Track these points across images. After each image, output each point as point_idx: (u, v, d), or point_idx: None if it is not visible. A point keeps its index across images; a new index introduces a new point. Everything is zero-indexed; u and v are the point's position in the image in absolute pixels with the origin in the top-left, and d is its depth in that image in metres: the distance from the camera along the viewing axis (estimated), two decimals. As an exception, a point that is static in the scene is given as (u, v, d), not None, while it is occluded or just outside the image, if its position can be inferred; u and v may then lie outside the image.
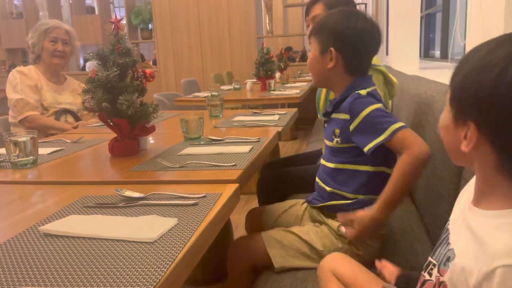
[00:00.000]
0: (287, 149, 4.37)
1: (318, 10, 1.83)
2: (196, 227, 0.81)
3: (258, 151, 1.37)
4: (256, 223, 1.57)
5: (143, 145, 1.51)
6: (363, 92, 1.23)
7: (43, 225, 0.84)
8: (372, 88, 1.27)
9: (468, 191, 0.74)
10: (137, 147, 1.46)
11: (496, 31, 1.59)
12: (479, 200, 0.66)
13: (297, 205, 1.49)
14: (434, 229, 1.37)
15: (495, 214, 0.61)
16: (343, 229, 1.25)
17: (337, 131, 1.27)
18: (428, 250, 1.30)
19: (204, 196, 0.97)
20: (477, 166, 0.65)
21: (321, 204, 1.32)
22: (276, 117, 2.08)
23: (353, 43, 1.26)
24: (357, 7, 1.86)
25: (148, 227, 0.81)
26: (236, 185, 1.06)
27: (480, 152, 0.61)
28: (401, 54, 4.90)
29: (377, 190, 1.18)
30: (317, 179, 1.39)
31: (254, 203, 2.37)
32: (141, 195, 0.99)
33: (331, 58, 1.27)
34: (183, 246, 0.73)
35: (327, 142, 1.33)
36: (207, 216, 0.86)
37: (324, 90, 1.98)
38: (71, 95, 2.49)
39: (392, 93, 1.81)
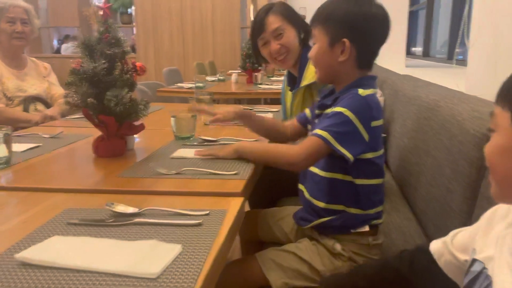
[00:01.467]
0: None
1: (276, 21, 1.67)
2: (205, 256, 0.69)
3: (259, 156, 1.26)
4: (251, 227, 1.47)
5: (130, 144, 1.37)
6: (361, 91, 1.11)
7: (19, 250, 0.71)
8: (372, 91, 1.15)
9: (508, 221, 0.66)
10: (124, 147, 1.32)
11: (509, 34, 1.51)
12: None
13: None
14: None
15: None
16: (338, 247, 1.17)
17: None
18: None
19: (207, 214, 0.86)
20: None
21: (310, 225, 1.21)
22: (269, 115, 1.96)
23: (366, 33, 1.13)
24: None
25: (149, 256, 0.69)
26: (241, 200, 0.95)
27: None
28: (387, 51, 4.85)
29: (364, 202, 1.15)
30: (302, 188, 1.27)
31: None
32: (135, 210, 0.87)
33: (342, 51, 1.13)
34: (193, 284, 0.61)
35: None
36: (215, 241, 0.75)
37: (289, 94, 1.87)
38: (36, 80, 2.27)
39: None
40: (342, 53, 1.14)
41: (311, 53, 1.22)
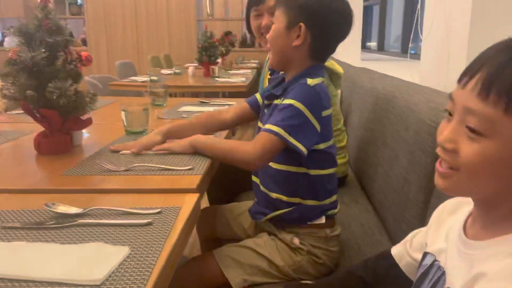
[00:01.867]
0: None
1: None
2: (155, 258, 0.64)
3: (215, 150, 1.21)
4: (209, 224, 1.42)
5: (76, 140, 1.28)
6: (310, 81, 1.10)
7: None
8: (320, 80, 1.14)
9: (456, 216, 0.65)
10: (70, 143, 1.23)
11: (461, 28, 1.54)
12: (479, 231, 0.57)
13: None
14: (398, 232, 1.30)
15: (489, 244, 0.54)
16: (296, 241, 1.15)
17: None
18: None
19: (159, 212, 0.80)
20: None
21: (265, 218, 1.19)
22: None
23: (325, 22, 1.11)
24: None
25: (92, 261, 0.62)
26: (196, 196, 0.90)
27: None
28: (343, 45, 4.92)
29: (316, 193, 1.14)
30: (256, 181, 1.25)
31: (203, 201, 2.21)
32: (79, 210, 0.80)
33: (298, 35, 1.11)
34: (141, 289, 0.56)
35: None
36: (166, 241, 0.70)
37: (267, 75, 1.85)
38: None
39: (338, 81, 1.74)
40: (297, 37, 1.12)
41: (269, 34, 1.19)
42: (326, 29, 1.12)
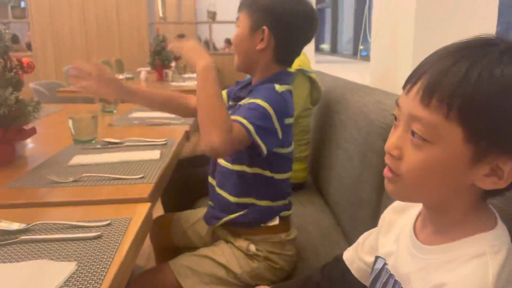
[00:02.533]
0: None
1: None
2: (104, 273, 0.61)
3: (169, 157, 1.19)
4: (165, 233, 1.39)
5: (19, 151, 1.22)
6: (278, 87, 1.09)
7: None
8: (287, 87, 1.14)
9: (405, 217, 0.67)
10: (12, 154, 1.17)
11: (405, 27, 1.60)
12: (429, 236, 0.58)
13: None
14: (354, 232, 1.33)
15: (444, 249, 0.55)
16: (252, 247, 1.14)
17: None
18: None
19: (109, 224, 0.77)
20: (458, 200, 0.55)
21: (220, 223, 1.17)
22: (181, 114, 1.88)
23: (289, 26, 1.11)
24: None
25: (37, 280, 0.59)
26: (148, 205, 0.87)
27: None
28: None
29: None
30: (212, 182, 1.23)
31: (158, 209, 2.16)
32: (21, 226, 0.75)
33: (262, 39, 1.11)
34: (88, 308, 0.53)
35: None
36: (116, 254, 0.67)
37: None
38: None
39: (318, 98, 1.77)
40: (261, 41, 1.12)
41: (233, 37, 1.18)
42: (290, 32, 1.13)
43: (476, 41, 0.52)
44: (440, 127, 0.51)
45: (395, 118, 0.58)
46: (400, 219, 0.69)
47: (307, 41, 1.18)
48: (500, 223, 0.55)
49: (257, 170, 1.13)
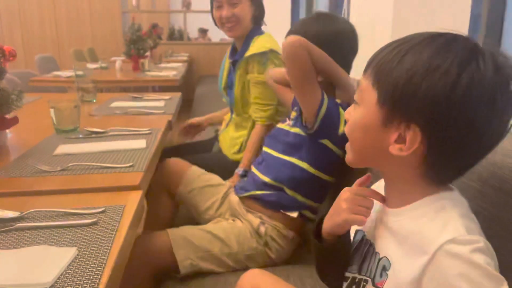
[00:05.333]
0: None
1: None
2: (105, 258, 0.63)
3: (155, 145, 1.20)
4: (176, 177, 1.46)
5: (1, 140, 1.20)
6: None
7: None
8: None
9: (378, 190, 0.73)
10: (-5, 144, 1.15)
11: (384, 19, 1.65)
12: (392, 200, 0.66)
13: (220, 186, 1.40)
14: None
15: (409, 209, 0.62)
16: (262, 229, 1.19)
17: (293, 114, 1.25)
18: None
19: (103, 211, 0.78)
20: (397, 168, 0.62)
21: (247, 194, 1.24)
22: (162, 103, 1.89)
23: (338, 46, 1.21)
24: None
25: (39, 264, 0.60)
26: (140, 193, 0.89)
27: (412, 154, 0.58)
28: (273, 23, 4.99)
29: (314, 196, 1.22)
30: (253, 170, 1.31)
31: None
32: (16, 214, 0.76)
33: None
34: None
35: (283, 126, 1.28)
36: (115, 239, 0.68)
37: (227, 64, 1.86)
38: None
39: None
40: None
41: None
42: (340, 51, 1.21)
43: (428, 33, 0.60)
44: (365, 91, 0.62)
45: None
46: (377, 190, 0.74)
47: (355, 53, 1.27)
48: (456, 190, 0.62)
49: (302, 164, 1.19)
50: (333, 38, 1.19)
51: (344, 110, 1.16)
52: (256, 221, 1.20)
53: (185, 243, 1.14)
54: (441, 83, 0.54)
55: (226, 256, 1.15)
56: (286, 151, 1.22)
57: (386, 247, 0.65)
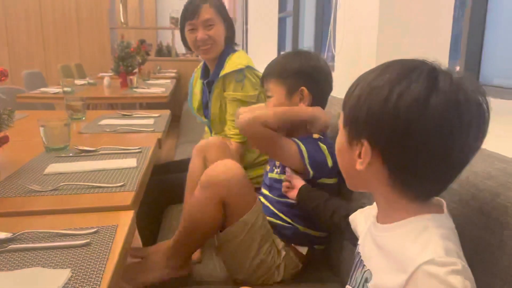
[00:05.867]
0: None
1: (210, 13, 1.70)
2: (99, 278, 0.64)
3: (145, 164, 1.21)
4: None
5: (-9, 160, 1.20)
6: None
7: None
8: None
9: (371, 210, 0.78)
10: (-15, 163, 1.15)
11: (369, 44, 1.70)
12: (381, 216, 0.70)
13: None
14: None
15: (394, 226, 0.65)
16: (283, 252, 1.20)
17: None
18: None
19: (96, 232, 0.79)
20: (373, 186, 0.68)
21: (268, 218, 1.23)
22: (151, 121, 1.90)
23: (321, 81, 1.30)
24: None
25: (33, 286, 0.61)
26: (132, 213, 0.89)
27: (374, 169, 0.64)
28: (260, 55, 5.07)
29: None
30: (265, 193, 1.31)
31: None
32: (9, 235, 0.76)
33: (301, 98, 1.26)
34: (89, 311, 0.56)
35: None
36: (108, 260, 0.69)
37: (199, 84, 1.88)
38: None
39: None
40: (300, 100, 1.24)
41: (270, 106, 1.27)
42: (321, 86, 1.29)
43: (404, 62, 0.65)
44: (340, 118, 0.70)
45: None
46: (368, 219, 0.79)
47: (330, 90, 1.34)
48: (446, 211, 0.64)
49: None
50: (312, 71, 1.26)
51: (324, 142, 1.22)
52: (281, 243, 1.21)
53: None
54: (376, 99, 0.61)
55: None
56: (285, 195, 1.23)
57: (371, 260, 0.68)
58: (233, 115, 1.70)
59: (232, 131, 1.69)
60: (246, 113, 1.19)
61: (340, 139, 0.70)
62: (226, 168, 1.12)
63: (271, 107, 1.27)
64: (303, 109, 1.24)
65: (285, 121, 1.20)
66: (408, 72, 0.60)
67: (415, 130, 0.58)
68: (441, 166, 0.60)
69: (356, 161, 0.65)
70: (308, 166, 1.16)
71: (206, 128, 2.00)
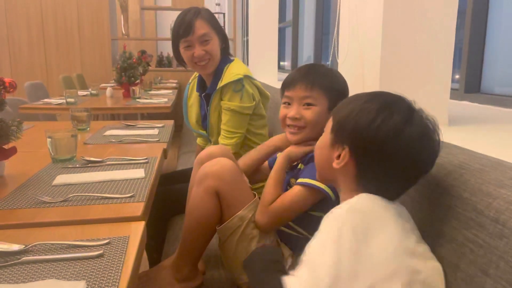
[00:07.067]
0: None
1: (205, 28, 1.71)
2: (114, 290, 0.64)
3: (153, 175, 1.21)
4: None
5: (0, 171, 1.21)
6: None
7: None
8: None
9: None
10: (-7, 175, 1.15)
11: (373, 52, 1.71)
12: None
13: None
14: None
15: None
16: (290, 260, 1.18)
17: None
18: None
19: (108, 243, 0.79)
20: (341, 181, 0.84)
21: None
22: (155, 131, 1.90)
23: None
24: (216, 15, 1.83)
25: (49, 299, 0.61)
26: (142, 223, 0.90)
27: (346, 169, 0.81)
28: (261, 65, 5.10)
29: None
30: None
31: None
32: (21, 247, 0.76)
33: None
34: (107, 323, 0.56)
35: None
36: (122, 272, 0.69)
37: (195, 98, 1.89)
38: None
39: (266, 104, 1.90)
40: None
41: (310, 116, 1.16)
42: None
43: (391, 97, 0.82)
44: (328, 123, 0.88)
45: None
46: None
47: None
48: (401, 207, 0.79)
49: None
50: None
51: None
52: (288, 252, 1.19)
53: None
54: (363, 118, 0.78)
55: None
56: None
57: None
58: (224, 124, 1.71)
59: (223, 140, 1.70)
60: (257, 217, 1.13)
61: (324, 139, 0.86)
62: (218, 160, 1.16)
63: (315, 114, 1.18)
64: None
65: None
66: (391, 104, 0.79)
67: (387, 150, 0.76)
68: (399, 179, 0.78)
69: (334, 160, 0.82)
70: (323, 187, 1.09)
71: (198, 140, 2.01)
